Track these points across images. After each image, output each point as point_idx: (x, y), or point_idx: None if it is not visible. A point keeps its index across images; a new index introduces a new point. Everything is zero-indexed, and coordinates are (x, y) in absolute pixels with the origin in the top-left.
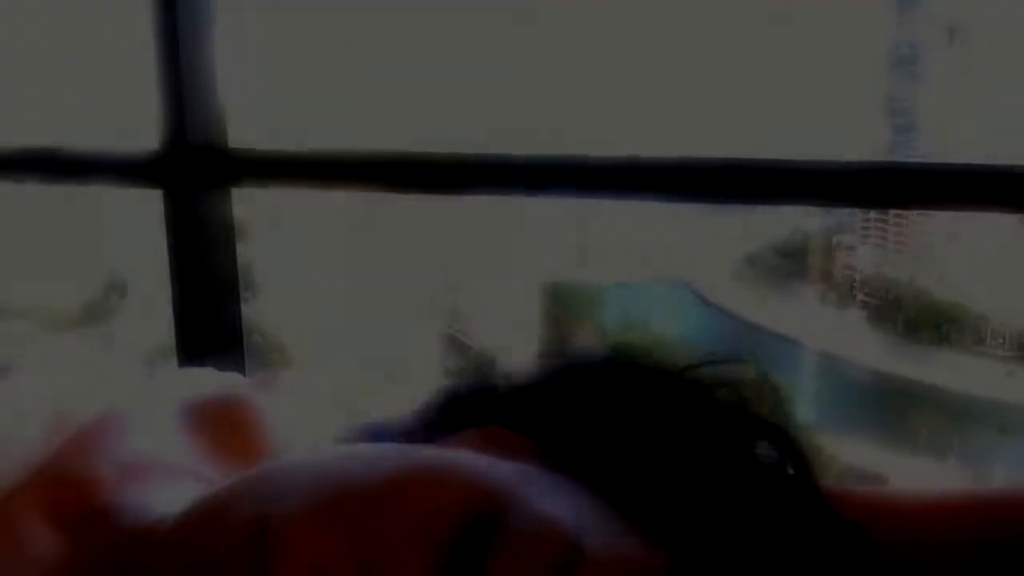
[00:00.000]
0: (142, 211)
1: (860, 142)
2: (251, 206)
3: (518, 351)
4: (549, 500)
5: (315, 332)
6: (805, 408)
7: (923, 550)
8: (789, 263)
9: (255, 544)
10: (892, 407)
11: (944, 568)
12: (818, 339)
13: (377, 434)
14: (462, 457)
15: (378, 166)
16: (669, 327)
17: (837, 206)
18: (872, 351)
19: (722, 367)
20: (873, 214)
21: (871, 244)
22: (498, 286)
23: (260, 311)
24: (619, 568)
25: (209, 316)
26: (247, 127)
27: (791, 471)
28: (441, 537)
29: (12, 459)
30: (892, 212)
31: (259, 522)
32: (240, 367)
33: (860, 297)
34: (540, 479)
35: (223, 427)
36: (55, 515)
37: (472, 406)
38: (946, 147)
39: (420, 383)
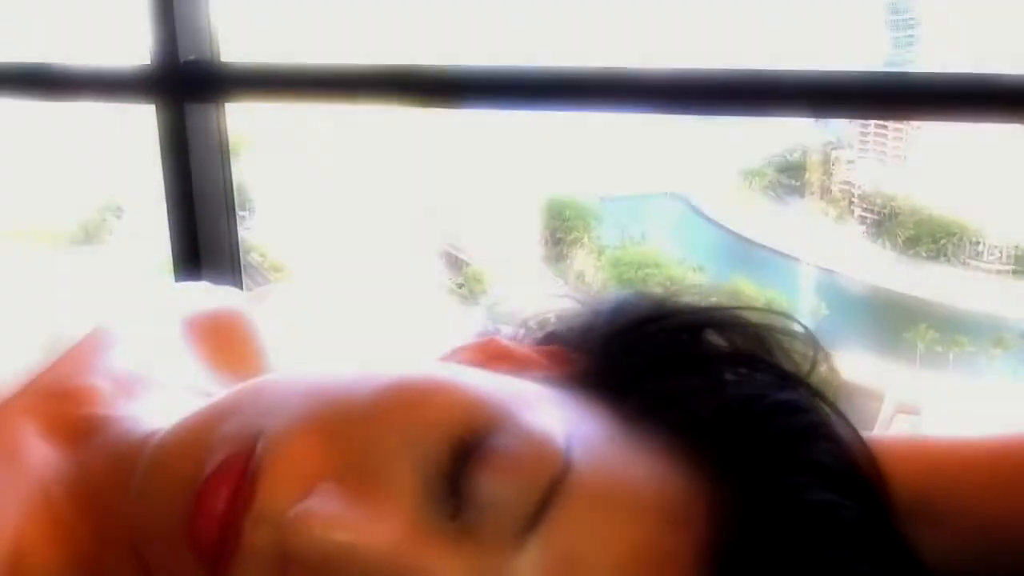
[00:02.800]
0: (137, 130)
1: (860, 52)
2: (249, 123)
3: (516, 266)
4: (543, 417)
5: (312, 250)
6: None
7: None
8: (787, 177)
9: (247, 456)
10: (890, 321)
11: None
12: (816, 254)
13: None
14: (457, 373)
15: (371, 79)
16: (666, 241)
17: (835, 116)
18: (870, 266)
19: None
20: (872, 128)
21: (870, 159)
22: (495, 201)
23: (258, 230)
24: (609, 484)
25: (204, 231)
26: (239, 41)
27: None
28: (427, 450)
29: (7, 373)
30: (891, 127)
31: (252, 434)
32: (237, 284)
33: (858, 212)
34: (538, 395)
35: (218, 341)
36: (50, 427)
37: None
38: (947, 57)
39: (416, 299)
